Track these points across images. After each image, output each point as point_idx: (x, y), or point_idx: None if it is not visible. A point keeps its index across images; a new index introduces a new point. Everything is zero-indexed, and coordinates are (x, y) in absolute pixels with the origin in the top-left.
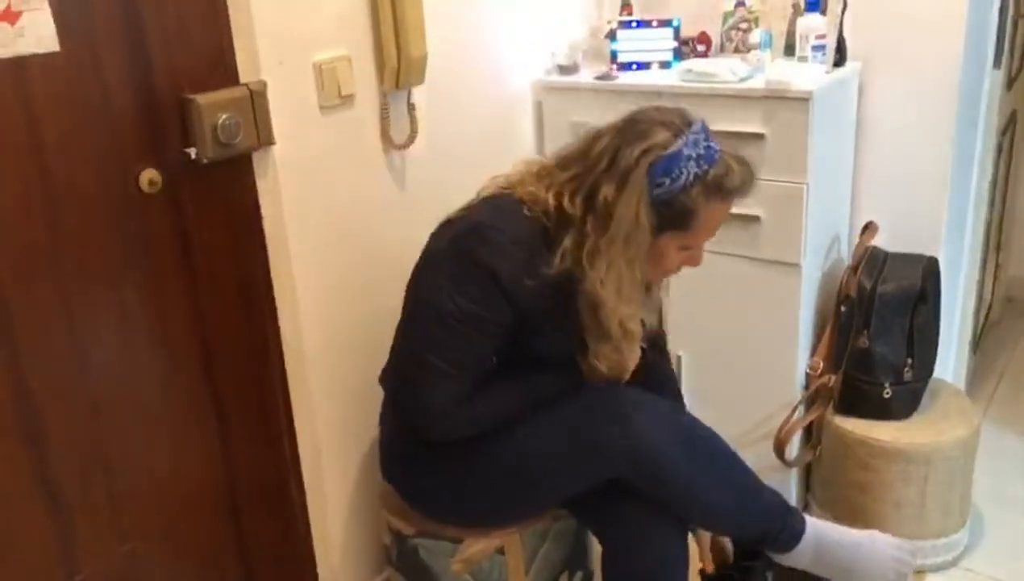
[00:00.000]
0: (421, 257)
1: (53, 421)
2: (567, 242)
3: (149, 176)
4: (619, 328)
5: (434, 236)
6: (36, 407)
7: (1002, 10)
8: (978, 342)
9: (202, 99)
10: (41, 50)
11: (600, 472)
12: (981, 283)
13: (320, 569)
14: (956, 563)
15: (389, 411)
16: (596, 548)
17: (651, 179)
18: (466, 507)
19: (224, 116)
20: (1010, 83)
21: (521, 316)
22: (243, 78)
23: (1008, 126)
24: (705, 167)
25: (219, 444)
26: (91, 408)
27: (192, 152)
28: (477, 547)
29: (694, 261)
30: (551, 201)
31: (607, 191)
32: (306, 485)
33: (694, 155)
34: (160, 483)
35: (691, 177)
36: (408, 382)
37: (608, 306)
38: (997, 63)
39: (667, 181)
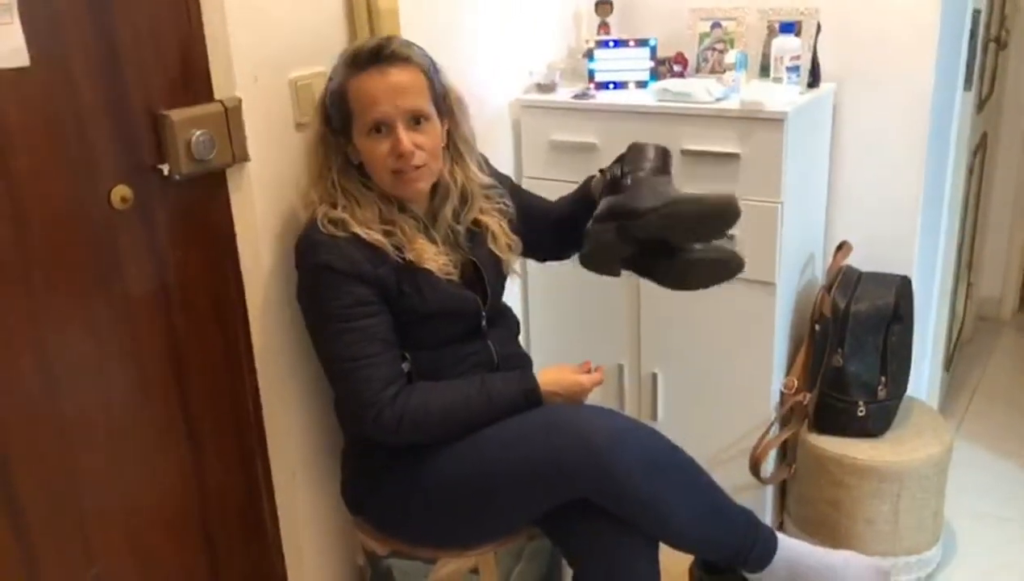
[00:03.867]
0: None
1: (18, 441)
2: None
3: (121, 193)
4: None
5: None
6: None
7: (972, 34)
8: (951, 360)
9: (175, 115)
10: (11, 65)
11: (564, 491)
12: (953, 302)
13: None
14: (929, 580)
15: (346, 442)
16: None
17: (324, 102)
18: (430, 528)
19: (198, 132)
20: (980, 105)
21: (381, 280)
22: (217, 94)
23: (979, 148)
24: (342, 57)
25: (191, 464)
26: (58, 428)
27: (165, 168)
28: (451, 567)
29: (395, 145)
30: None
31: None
32: (279, 505)
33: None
34: (130, 505)
35: (337, 71)
36: (342, 395)
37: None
38: (968, 85)
39: (329, 89)
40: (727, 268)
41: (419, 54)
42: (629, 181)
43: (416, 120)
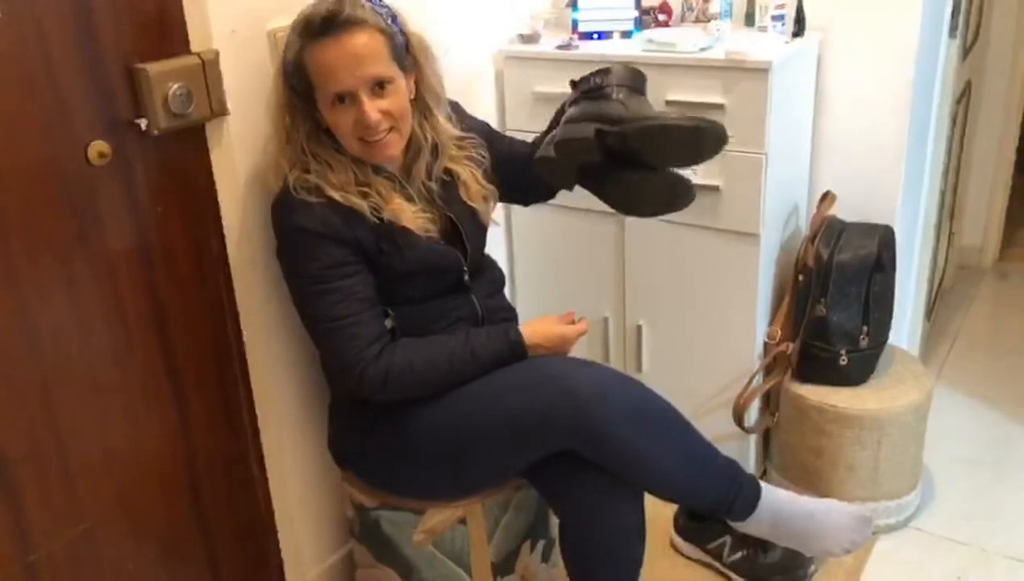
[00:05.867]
0: None
1: (2, 400)
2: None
3: (99, 148)
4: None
5: None
6: None
7: None
8: (932, 309)
9: (152, 68)
10: None
11: (549, 444)
12: (935, 251)
13: (282, 543)
14: (907, 523)
15: (333, 396)
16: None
17: (285, 68)
18: (417, 480)
19: (175, 86)
20: (965, 53)
21: (358, 241)
22: (194, 47)
23: (963, 96)
24: (296, 24)
25: (177, 419)
26: (41, 384)
27: (143, 123)
28: (439, 518)
29: (360, 117)
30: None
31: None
32: (267, 459)
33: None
34: (116, 460)
35: (293, 39)
36: (325, 355)
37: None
38: (953, 33)
39: (287, 59)
40: (680, 196)
41: (373, 12)
42: (613, 92)
43: (379, 85)
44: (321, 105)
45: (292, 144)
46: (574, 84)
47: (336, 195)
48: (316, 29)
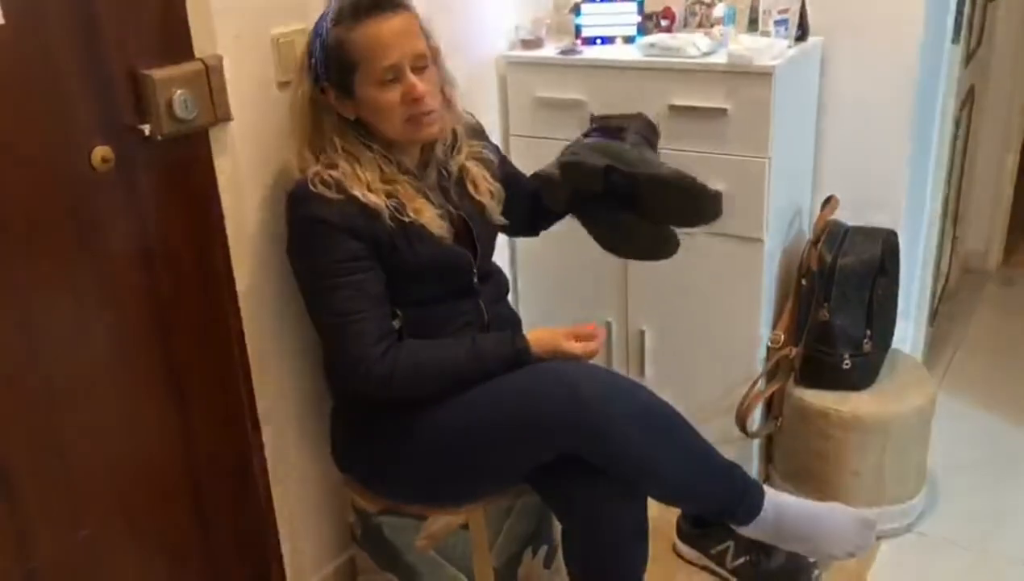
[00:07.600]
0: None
1: (2, 405)
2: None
3: (102, 153)
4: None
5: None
6: None
7: None
8: (935, 313)
9: (156, 74)
10: None
11: (552, 446)
12: (939, 256)
13: (284, 549)
14: (911, 528)
15: (335, 401)
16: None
17: (310, 61)
18: (420, 485)
19: (179, 91)
20: (968, 59)
21: (374, 236)
22: (198, 52)
23: (966, 101)
24: (332, 12)
25: (179, 425)
26: (43, 391)
27: (146, 129)
28: (441, 523)
29: (409, 90)
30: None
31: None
32: (268, 464)
33: (326, 13)
34: (118, 467)
35: (327, 26)
36: (330, 351)
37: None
38: (956, 39)
39: (317, 46)
40: (664, 249)
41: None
42: (629, 137)
43: (422, 64)
44: (364, 86)
45: (317, 139)
46: (594, 118)
47: (357, 192)
48: (364, 8)
